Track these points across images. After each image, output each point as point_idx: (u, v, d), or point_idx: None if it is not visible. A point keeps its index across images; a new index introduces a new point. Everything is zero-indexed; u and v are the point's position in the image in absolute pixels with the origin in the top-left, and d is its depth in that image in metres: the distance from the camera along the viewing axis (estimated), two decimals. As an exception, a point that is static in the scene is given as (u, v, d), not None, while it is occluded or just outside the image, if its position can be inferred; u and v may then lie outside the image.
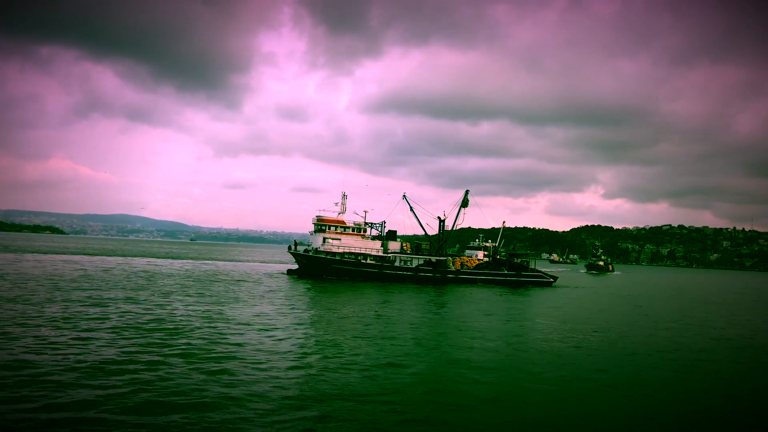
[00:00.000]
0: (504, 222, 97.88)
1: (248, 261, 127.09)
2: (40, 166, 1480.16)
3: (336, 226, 78.94)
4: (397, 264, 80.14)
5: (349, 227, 79.53)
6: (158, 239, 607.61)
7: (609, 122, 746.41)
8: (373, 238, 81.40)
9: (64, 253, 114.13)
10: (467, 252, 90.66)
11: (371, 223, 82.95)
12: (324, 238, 77.75)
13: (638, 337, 36.13)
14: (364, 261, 77.84)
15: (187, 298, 44.42)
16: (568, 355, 28.32)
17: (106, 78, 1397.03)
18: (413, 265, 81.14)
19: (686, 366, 27.79)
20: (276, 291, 54.97)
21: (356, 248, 78.29)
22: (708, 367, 27.75)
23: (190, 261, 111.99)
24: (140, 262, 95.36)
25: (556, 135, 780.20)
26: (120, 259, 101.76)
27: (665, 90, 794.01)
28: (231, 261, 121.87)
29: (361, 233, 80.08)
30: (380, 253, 79.44)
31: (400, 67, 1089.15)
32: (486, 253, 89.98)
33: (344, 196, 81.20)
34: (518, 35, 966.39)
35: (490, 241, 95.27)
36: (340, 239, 78.14)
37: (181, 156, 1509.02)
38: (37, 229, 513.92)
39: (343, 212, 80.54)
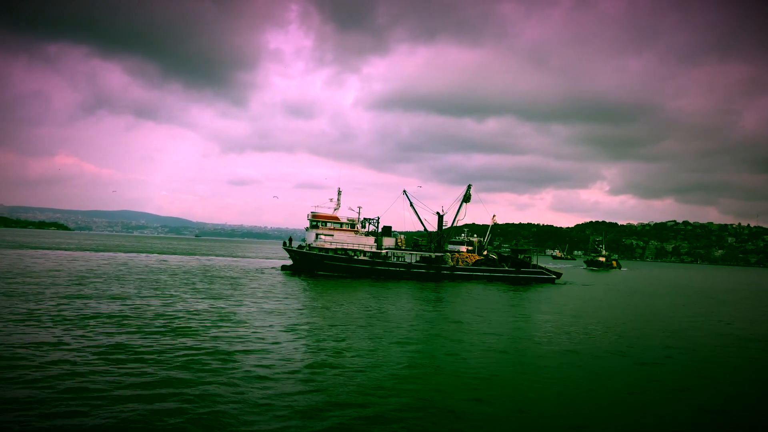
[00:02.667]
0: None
1: (252, 257, 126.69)
2: (45, 163, 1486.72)
3: (329, 222, 78.46)
4: (390, 260, 79.45)
5: (342, 223, 79.01)
6: (162, 235, 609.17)
7: (614, 119, 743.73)
8: (368, 233, 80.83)
9: (71, 250, 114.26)
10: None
11: (369, 219, 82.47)
12: (317, 234, 77.35)
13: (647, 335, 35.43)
14: (355, 257, 77.25)
15: (179, 294, 43.95)
16: (573, 355, 27.68)
17: (114, 75, 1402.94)
18: (406, 262, 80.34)
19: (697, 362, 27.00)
20: (264, 287, 54.43)
21: (348, 244, 77.78)
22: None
23: (195, 257, 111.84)
24: (144, 258, 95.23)
25: (561, 132, 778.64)
26: (124, 255, 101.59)
27: (671, 87, 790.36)
28: (234, 257, 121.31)
29: (354, 229, 79.48)
30: (373, 249, 78.80)
31: (406, 64, 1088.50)
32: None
33: (339, 192, 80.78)
34: (525, 33, 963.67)
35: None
36: (332, 235, 77.62)
37: (187, 153, 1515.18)
38: (42, 225, 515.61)
39: (337, 208, 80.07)
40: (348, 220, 79.81)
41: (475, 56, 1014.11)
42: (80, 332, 26.29)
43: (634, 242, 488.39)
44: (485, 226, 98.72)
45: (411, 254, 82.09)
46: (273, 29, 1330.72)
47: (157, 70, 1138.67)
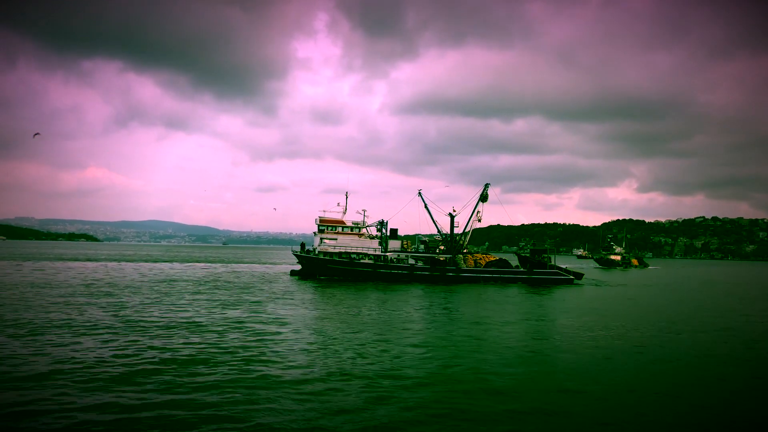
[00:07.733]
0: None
1: (275, 263, 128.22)
2: (77, 175, 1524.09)
3: (334, 226, 78.70)
4: (395, 263, 78.76)
5: (346, 227, 79.10)
6: (190, 244, 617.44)
7: (644, 115, 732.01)
8: (373, 237, 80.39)
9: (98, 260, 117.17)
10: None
11: (382, 222, 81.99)
12: (321, 239, 77.63)
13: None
14: (358, 260, 77.00)
15: (183, 301, 44.88)
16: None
17: (147, 88, 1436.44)
18: (410, 264, 79.22)
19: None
20: (268, 291, 55.17)
21: (352, 248, 77.71)
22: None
23: (221, 264, 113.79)
24: (168, 266, 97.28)
25: (590, 130, 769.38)
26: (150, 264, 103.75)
27: (701, 81, 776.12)
28: (261, 264, 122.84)
29: (359, 232, 79.50)
30: (378, 252, 78.60)
31: (434, 68, 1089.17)
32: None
33: (346, 196, 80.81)
34: (553, 32, 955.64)
35: None
36: (336, 239, 77.80)
37: (216, 161, 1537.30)
38: (72, 237, 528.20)
39: (344, 212, 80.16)
40: (353, 223, 79.86)
41: (503, 57, 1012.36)
42: (84, 335, 27.18)
43: (663, 239, 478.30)
44: (510, 227, 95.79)
45: (420, 256, 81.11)
46: (302, 38, 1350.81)
47: (189, 81, 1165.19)
